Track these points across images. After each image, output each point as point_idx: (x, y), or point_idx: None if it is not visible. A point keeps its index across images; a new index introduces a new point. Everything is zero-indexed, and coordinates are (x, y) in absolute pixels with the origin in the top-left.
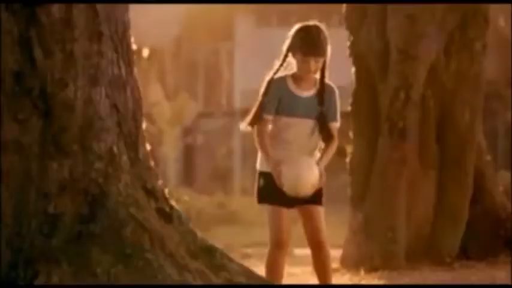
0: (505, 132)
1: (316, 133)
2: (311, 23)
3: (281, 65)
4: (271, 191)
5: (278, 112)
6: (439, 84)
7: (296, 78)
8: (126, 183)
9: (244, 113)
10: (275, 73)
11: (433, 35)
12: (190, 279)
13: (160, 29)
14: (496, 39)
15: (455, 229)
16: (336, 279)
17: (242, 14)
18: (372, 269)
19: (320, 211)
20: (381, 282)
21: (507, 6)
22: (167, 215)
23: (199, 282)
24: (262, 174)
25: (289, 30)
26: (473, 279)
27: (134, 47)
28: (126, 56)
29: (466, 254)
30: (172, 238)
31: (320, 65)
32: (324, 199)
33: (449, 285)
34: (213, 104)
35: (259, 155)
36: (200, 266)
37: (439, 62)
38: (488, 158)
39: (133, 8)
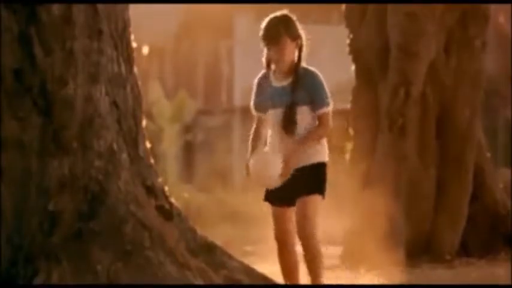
0: (504, 129)
1: (306, 120)
2: (275, 14)
3: (267, 62)
4: (271, 190)
5: (262, 106)
6: (439, 82)
7: (275, 70)
8: (126, 180)
9: (244, 110)
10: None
11: (432, 33)
12: (190, 277)
13: (160, 27)
14: (496, 37)
15: (455, 226)
16: (335, 277)
17: (242, 12)
18: (371, 266)
19: (309, 200)
20: (381, 279)
21: (507, 4)
22: (167, 213)
23: (199, 279)
24: None
25: None
26: (473, 276)
27: (134, 44)
28: (126, 53)
29: (466, 251)
30: (172, 235)
31: (285, 52)
32: (324, 188)
33: (449, 286)
34: (212, 101)
35: None
36: (200, 264)
37: (439, 60)
38: (488, 155)
39: (133, 5)
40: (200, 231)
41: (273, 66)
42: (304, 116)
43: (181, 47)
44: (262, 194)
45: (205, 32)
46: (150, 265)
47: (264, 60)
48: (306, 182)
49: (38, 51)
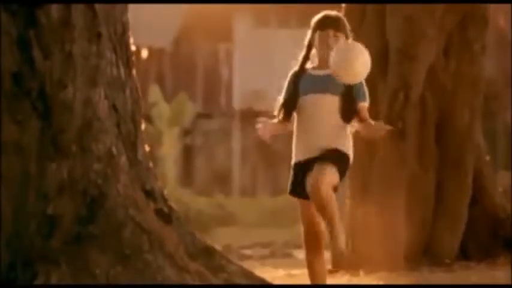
0: (504, 133)
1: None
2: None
3: (305, 57)
4: (295, 184)
5: (297, 96)
6: (438, 85)
7: (316, 65)
8: (125, 184)
9: (243, 113)
10: (300, 65)
11: (432, 36)
12: (189, 280)
13: (159, 30)
14: (496, 40)
15: (454, 230)
16: (335, 280)
17: (241, 15)
18: (371, 270)
19: (327, 166)
20: (380, 283)
21: (507, 5)
22: (166, 216)
23: (198, 283)
24: (292, 167)
25: (288, 30)
26: (473, 280)
27: (133, 47)
28: (125, 56)
29: (465, 254)
30: (171, 239)
31: (337, 40)
32: (342, 170)
33: (449, 285)
34: (212, 104)
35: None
36: (199, 267)
37: (438, 63)
38: (488, 158)
39: (132, 8)
40: (199, 234)
41: (309, 64)
42: (336, 105)
43: (181, 50)
44: (262, 198)
45: (204, 35)
46: (149, 269)
47: (316, 51)
48: (329, 156)
49: (36, 54)
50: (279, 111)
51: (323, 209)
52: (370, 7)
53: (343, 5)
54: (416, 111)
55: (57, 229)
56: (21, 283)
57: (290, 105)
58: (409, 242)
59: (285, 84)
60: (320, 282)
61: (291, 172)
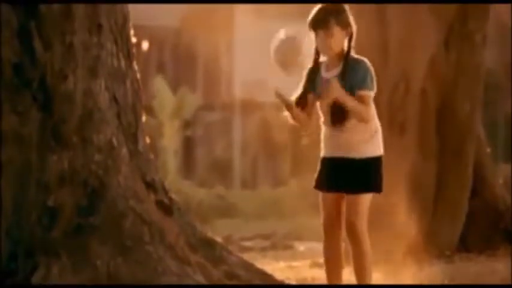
0: (505, 124)
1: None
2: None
3: (316, 53)
4: (320, 179)
5: (307, 93)
6: (439, 76)
7: (326, 61)
8: (125, 175)
9: (244, 105)
10: (314, 61)
11: (432, 27)
12: (189, 272)
13: (160, 21)
14: (497, 30)
15: (454, 221)
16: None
17: (241, 6)
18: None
19: (361, 198)
20: (380, 275)
21: (508, 4)
22: (167, 207)
23: (198, 274)
24: (320, 159)
25: (289, 22)
26: (473, 272)
27: (134, 39)
28: (126, 48)
29: (465, 246)
30: (172, 230)
31: (333, 39)
32: (378, 184)
33: (450, 285)
34: (212, 96)
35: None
36: (200, 259)
37: (439, 54)
38: (488, 149)
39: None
40: (200, 226)
41: (322, 57)
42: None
43: (181, 41)
44: (262, 190)
45: (205, 26)
46: (150, 260)
47: (312, 50)
48: (359, 177)
49: (37, 45)
50: (296, 104)
51: (357, 248)
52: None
53: None
54: (416, 102)
55: (57, 220)
56: (22, 274)
57: (302, 101)
58: (410, 234)
59: (302, 78)
60: (336, 271)
61: (319, 165)
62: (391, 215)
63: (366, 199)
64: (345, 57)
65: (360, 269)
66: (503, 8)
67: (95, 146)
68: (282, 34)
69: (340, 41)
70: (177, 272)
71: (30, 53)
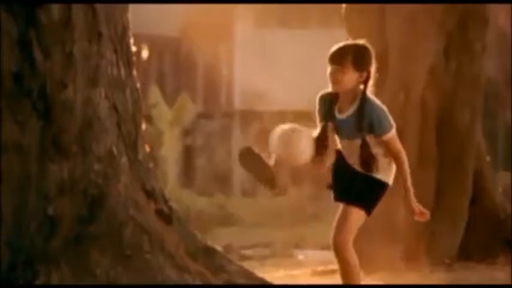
0: (504, 133)
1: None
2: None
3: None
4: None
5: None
6: (439, 85)
7: (340, 97)
8: (125, 184)
9: (244, 114)
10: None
11: (432, 36)
12: (189, 281)
13: (160, 30)
14: (496, 39)
15: (454, 230)
16: (334, 280)
17: (242, 15)
18: (371, 270)
19: (353, 211)
20: (381, 283)
21: (508, 5)
22: (166, 216)
23: (198, 283)
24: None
25: (289, 31)
26: (473, 280)
27: (133, 47)
28: (126, 56)
29: (465, 254)
30: (172, 239)
31: (343, 77)
32: (372, 205)
33: (449, 286)
34: (212, 105)
35: None
36: (200, 267)
37: (438, 63)
38: (488, 158)
39: (132, 8)
40: (200, 235)
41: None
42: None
43: (181, 50)
44: (262, 199)
45: (205, 35)
46: (150, 269)
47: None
48: (358, 190)
49: (37, 54)
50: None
51: (342, 270)
52: (370, 7)
53: (344, 5)
54: (416, 111)
55: (57, 229)
56: (22, 283)
57: (322, 135)
58: (409, 242)
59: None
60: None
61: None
62: (390, 224)
63: (356, 217)
64: (360, 99)
65: (343, 279)
66: (503, 16)
67: (95, 155)
68: (279, 130)
69: (351, 80)
70: (177, 280)
71: (30, 62)
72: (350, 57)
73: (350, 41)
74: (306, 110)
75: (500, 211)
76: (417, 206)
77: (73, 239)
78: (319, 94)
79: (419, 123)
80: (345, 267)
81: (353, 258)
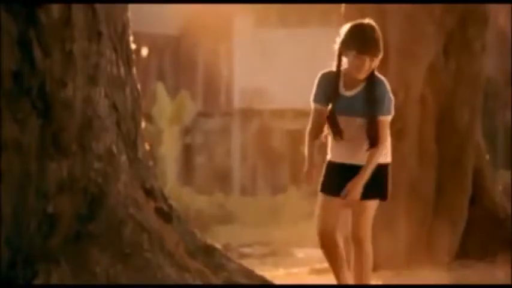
0: (504, 132)
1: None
2: (365, 21)
3: (338, 65)
4: (325, 180)
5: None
6: (438, 84)
7: (345, 75)
8: (125, 182)
9: (243, 112)
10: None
11: (432, 35)
12: (189, 279)
13: (160, 29)
14: (496, 38)
15: (454, 229)
16: (333, 279)
17: (241, 14)
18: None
19: (367, 205)
20: (380, 282)
21: (507, 4)
22: (166, 215)
23: (198, 281)
24: (325, 163)
25: (288, 30)
26: (472, 279)
27: (133, 46)
28: (125, 55)
29: (465, 253)
30: (172, 238)
31: (374, 64)
32: (385, 191)
33: (449, 285)
34: (212, 103)
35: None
36: (199, 266)
37: (438, 62)
38: (487, 157)
39: (132, 7)
40: (199, 233)
41: (343, 70)
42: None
43: (181, 49)
44: (262, 197)
45: (204, 34)
46: (149, 267)
47: (348, 64)
48: (367, 184)
49: (37, 53)
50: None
51: (359, 264)
52: (370, 7)
53: (343, 4)
54: (416, 110)
55: (57, 228)
56: (22, 282)
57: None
58: (409, 241)
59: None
60: (342, 268)
61: (324, 168)
62: (390, 223)
63: (371, 208)
64: (368, 78)
65: (360, 270)
66: (503, 16)
67: (95, 154)
68: None
69: (375, 65)
70: (177, 279)
71: (30, 60)
72: (379, 47)
73: (367, 25)
74: (305, 108)
75: (500, 210)
76: (352, 187)
77: (73, 237)
78: (321, 73)
79: (419, 122)
80: (365, 258)
81: (371, 249)
